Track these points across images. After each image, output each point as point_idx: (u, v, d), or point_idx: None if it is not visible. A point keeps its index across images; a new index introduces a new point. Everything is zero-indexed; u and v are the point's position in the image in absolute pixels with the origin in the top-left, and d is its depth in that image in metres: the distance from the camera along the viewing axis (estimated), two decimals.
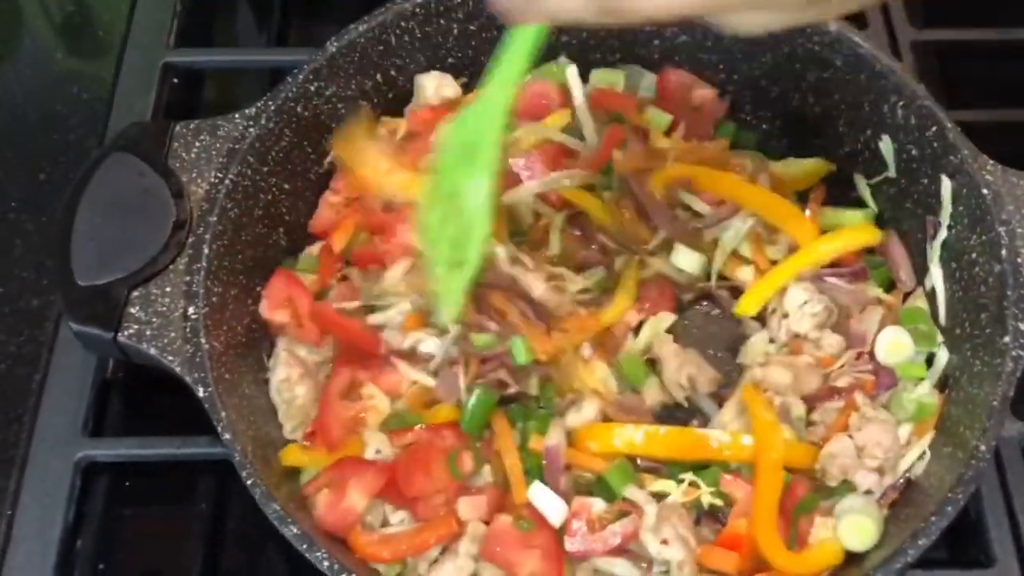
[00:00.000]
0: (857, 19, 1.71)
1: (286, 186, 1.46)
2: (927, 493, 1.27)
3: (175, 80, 1.73)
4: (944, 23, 1.79)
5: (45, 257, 1.59)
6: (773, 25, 1.05)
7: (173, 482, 1.45)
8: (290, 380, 1.37)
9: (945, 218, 1.38)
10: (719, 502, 1.30)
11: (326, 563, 1.16)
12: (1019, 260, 1.31)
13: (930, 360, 1.40)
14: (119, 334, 1.30)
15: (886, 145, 1.45)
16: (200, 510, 1.43)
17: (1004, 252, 1.30)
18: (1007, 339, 1.26)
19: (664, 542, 1.25)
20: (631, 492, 1.29)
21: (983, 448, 1.21)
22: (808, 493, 1.30)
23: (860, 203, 1.52)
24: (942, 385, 1.37)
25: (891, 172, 1.46)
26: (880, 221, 1.50)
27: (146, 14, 1.79)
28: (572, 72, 1.55)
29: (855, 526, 1.27)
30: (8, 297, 1.56)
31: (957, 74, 1.78)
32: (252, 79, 1.84)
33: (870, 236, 1.46)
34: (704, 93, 1.58)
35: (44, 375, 1.46)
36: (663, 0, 0.98)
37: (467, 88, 1.58)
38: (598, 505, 1.29)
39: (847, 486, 1.30)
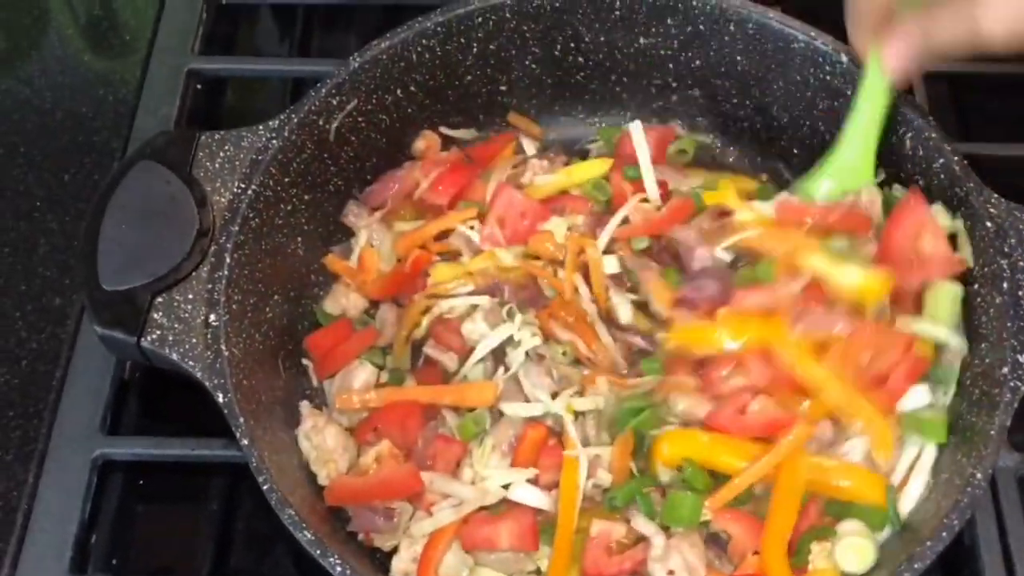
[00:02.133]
0: None
1: (306, 197, 1.48)
2: (923, 518, 1.29)
3: (198, 86, 1.75)
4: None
5: (68, 256, 1.61)
6: None
7: (186, 482, 1.47)
8: (317, 427, 1.39)
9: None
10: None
11: (339, 568, 1.18)
12: (1020, 293, 1.32)
13: None
14: (142, 339, 1.32)
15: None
16: (211, 510, 1.44)
17: (1005, 284, 1.32)
18: (1006, 370, 1.27)
19: (671, 573, 1.27)
20: (638, 522, 1.30)
21: (979, 476, 1.22)
22: (820, 518, 1.32)
23: None
24: None
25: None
26: None
27: (172, 20, 1.81)
28: (636, 127, 1.57)
29: (854, 548, 1.28)
30: (31, 295, 1.58)
31: (969, 107, 1.80)
32: (271, 88, 1.87)
33: None
34: None
35: (64, 373, 1.48)
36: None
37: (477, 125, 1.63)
38: (618, 531, 1.30)
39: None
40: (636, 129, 1.56)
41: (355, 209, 1.57)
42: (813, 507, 1.32)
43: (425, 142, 1.61)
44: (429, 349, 1.47)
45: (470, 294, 1.48)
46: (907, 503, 1.32)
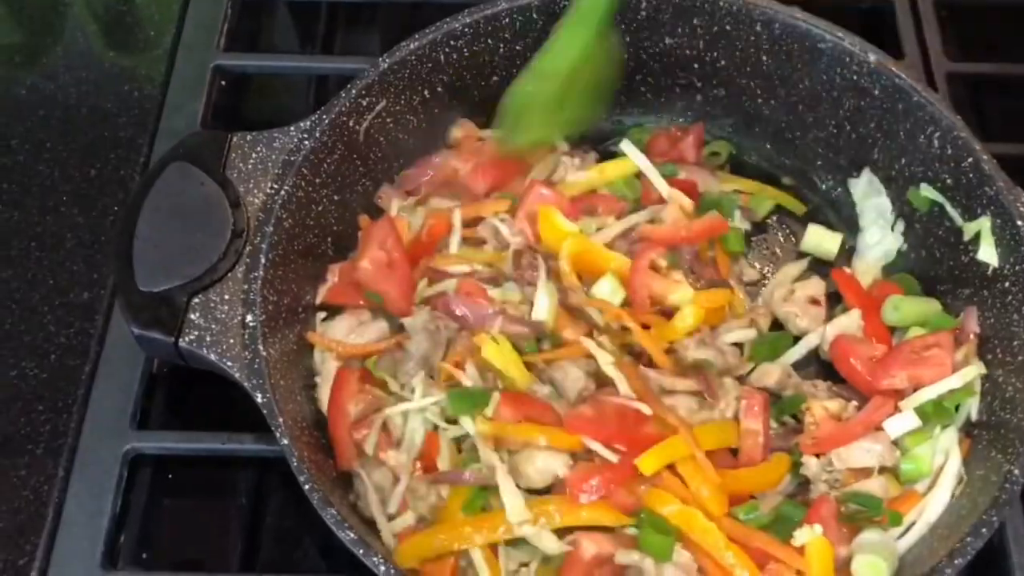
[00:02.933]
0: (894, 50, 1.75)
1: (336, 197, 1.50)
2: (960, 515, 1.30)
3: (223, 83, 1.76)
4: (979, 57, 1.82)
5: (95, 251, 1.61)
6: None
7: (214, 476, 1.48)
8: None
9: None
10: None
11: (382, 568, 1.18)
12: None
13: None
14: (180, 339, 1.33)
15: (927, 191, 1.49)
16: (240, 504, 1.46)
17: None
18: None
19: None
20: (623, 555, 1.29)
21: (1016, 472, 1.25)
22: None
23: None
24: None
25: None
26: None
27: (197, 17, 1.82)
28: (626, 144, 1.60)
29: (869, 566, 1.30)
30: (59, 289, 1.58)
31: (989, 107, 1.81)
32: (295, 83, 1.87)
33: None
34: None
35: (94, 367, 1.49)
36: None
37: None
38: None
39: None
40: (626, 145, 1.59)
41: (388, 190, 1.59)
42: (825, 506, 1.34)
43: (462, 131, 1.63)
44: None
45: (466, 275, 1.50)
46: (935, 508, 1.34)
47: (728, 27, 1.57)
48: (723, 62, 1.61)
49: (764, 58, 1.58)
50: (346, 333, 1.46)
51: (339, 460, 1.37)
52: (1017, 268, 1.36)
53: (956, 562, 1.20)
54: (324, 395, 1.42)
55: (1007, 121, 1.81)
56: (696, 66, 1.63)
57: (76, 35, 1.89)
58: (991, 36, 1.91)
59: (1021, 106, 1.83)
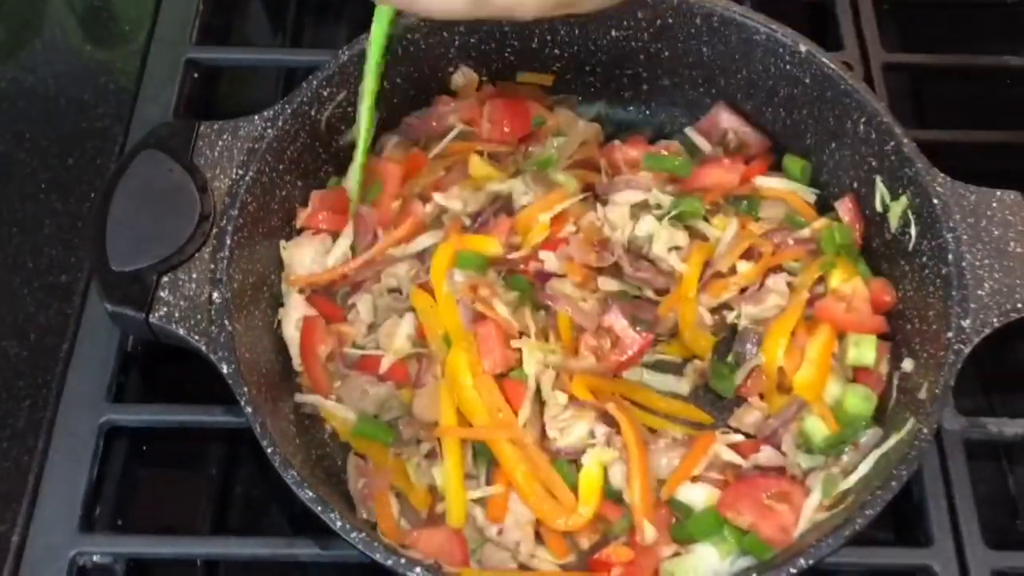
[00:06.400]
0: (835, 42, 1.83)
1: (299, 183, 1.54)
2: (877, 473, 1.36)
3: (195, 75, 1.80)
4: (918, 49, 1.88)
5: (73, 236, 1.65)
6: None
7: (187, 447, 1.53)
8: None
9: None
10: None
11: (338, 523, 1.23)
12: (963, 264, 1.41)
13: None
14: (150, 315, 1.37)
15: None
16: (211, 474, 1.50)
17: (951, 256, 1.40)
18: (950, 334, 1.36)
19: None
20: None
21: (925, 431, 1.30)
22: None
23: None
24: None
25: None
26: None
27: (171, 12, 1.86)
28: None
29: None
30: (38, 272, 1.62)
31: (929, 96, 1.89)
32: (265, 76, 1.91)
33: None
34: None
35: (71, 345, 1.53)
36: None
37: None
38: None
39: None
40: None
41: (389, 137, 1.66)
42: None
43: (464, 78, 1.68)
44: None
45: None
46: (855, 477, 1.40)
47: (671, 20, 1.63)
48: (667, 53, 1.67)
49: (704, 49, 1.64)
50: (312, 257, 1.53)
51: (317, 391, 1.46)
52: (933, 244, 1.43)
53: (867, 512, 1.25)
54: (288, 327, 1.49)
55: (944, 109, 1.88)
56: (641, 57, 1.68)
57: (55, 30, 1.92)
58: (936, 29, 1.98)
59: (957, 95, 1.89)
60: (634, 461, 1.40)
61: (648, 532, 1.37)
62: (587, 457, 1.42)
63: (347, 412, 1.44)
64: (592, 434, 1.44)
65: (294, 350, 1.49)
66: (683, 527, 1.40)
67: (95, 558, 1.40)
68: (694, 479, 1.43)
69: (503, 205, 1.60)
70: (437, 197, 1.58)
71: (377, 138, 1.61)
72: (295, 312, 1.50)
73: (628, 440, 1.41)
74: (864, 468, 1.39)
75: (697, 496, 1.42)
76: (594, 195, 1.63)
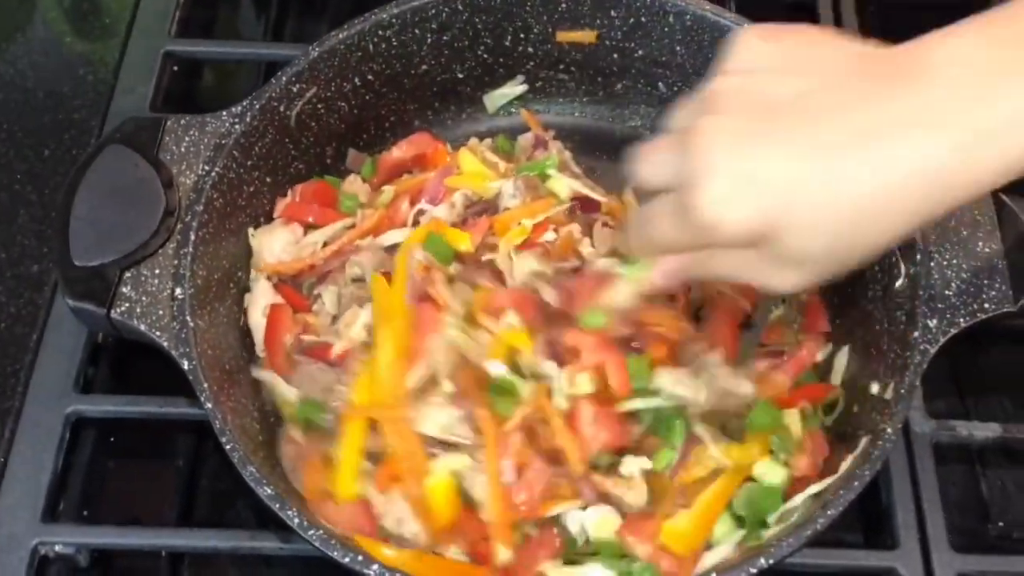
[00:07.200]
0: None
1: (268, 179, 1.54)
2: (844, 476, 1.34)
3: (174, 68, 1.80)
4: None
5: (46, 227, 1.65)
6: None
7: (154, 439, 1.52)
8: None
9: None
10: None
11: (296, 520, 1.23)
12: (931, 264, 1.41)
13: None
14: (112, 311, 1.37)
15: None
16: (177, 466, 1.50)
17: (918, 256, 1.40)
18: (917, 334, 1.35)
19: None
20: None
21: (889, 431, 1.29)
22: None
23: None
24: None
25: None
26: None
27: (152, 4, 1.86)
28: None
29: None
30: (10, 262, 1.62)
31: None
32: (246, 70, 1.91)
33: None
34: None
35: (40, 335, 1.52)
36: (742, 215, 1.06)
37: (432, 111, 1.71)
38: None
39: None
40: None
41: (355, 154, 1.67)
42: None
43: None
44: None
45: None
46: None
47: (644, 19, 1.63)
48: (640, 52, 1.67)
49: (678, 48, 1.64)
50: (281, 246, 1.54)
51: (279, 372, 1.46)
52: (901, 243, 1.38)
53: (828, 512, 1.25)
54: (254, 313, 1.50)
55: None
56: (615, 56, 1.68)
57: (36, 23, 1.93)
58: (919, 31, 1.92)
59: None
60: (492, 476, 1.34)
61: (502, 555, 1.32)
62: (438, 463, 1.36)
63: (290, 392, 1.44)
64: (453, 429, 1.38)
65: (258, 336, 1.50)
66: None
67: (57, 548, 1.40)
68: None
69: (487, 206, 1.59)
70: (423, 205, 1.57)
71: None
72: (262, 299, 1.51)
73: (489, 453, 1.35)
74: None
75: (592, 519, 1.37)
76: (581, 208, 1.61)
